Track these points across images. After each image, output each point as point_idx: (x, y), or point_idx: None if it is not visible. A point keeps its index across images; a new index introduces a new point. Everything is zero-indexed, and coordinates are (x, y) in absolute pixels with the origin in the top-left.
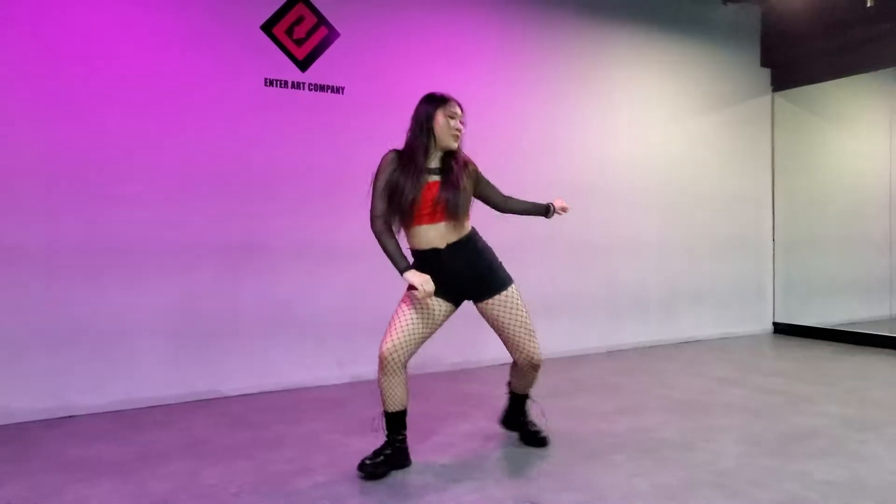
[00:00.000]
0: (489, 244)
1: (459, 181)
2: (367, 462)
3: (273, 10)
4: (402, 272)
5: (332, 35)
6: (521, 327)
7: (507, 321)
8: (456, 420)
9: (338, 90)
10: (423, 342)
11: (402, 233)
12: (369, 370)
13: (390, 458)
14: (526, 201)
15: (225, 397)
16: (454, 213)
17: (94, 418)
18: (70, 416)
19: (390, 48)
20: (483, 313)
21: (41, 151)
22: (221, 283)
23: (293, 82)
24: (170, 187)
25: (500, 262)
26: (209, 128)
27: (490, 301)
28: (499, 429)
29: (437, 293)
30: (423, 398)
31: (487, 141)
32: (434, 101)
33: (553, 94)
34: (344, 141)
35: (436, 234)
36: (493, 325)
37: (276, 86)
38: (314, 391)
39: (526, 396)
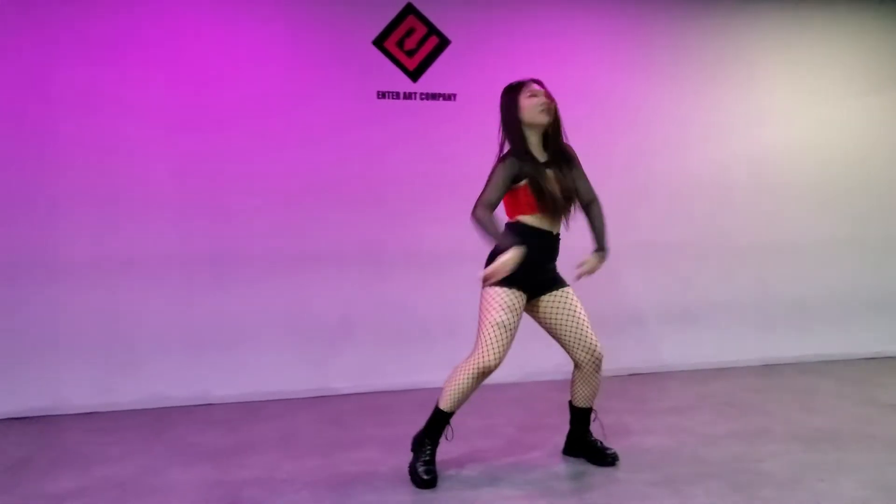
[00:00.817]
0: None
1: (568, 171)
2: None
3: (384, 25)
4: (513, 245)
5: (443, 43)
6: (583, 320)
7: (566, 315)
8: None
9: (449, 97)
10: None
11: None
12: None
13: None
14: (601, 222)
15: (339, 395)
16: (571, 204)
17: (224, 408)
18: (207, 405)
19: (502, 52)
20: (540, 310)
21: (173, 161)
22: (338, 288)
23: (405, 93)
24: (289, 198)
25: None
26: (324, 141)
27: (553, 294)
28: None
29: (520, 284)
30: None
31: (613, 139)
32: (511, 91)
33: (685, 83)
34: (457, 147)
35: (555, 221)
36: (549, 323)
37: (389, 97)
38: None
39: (590, 410)
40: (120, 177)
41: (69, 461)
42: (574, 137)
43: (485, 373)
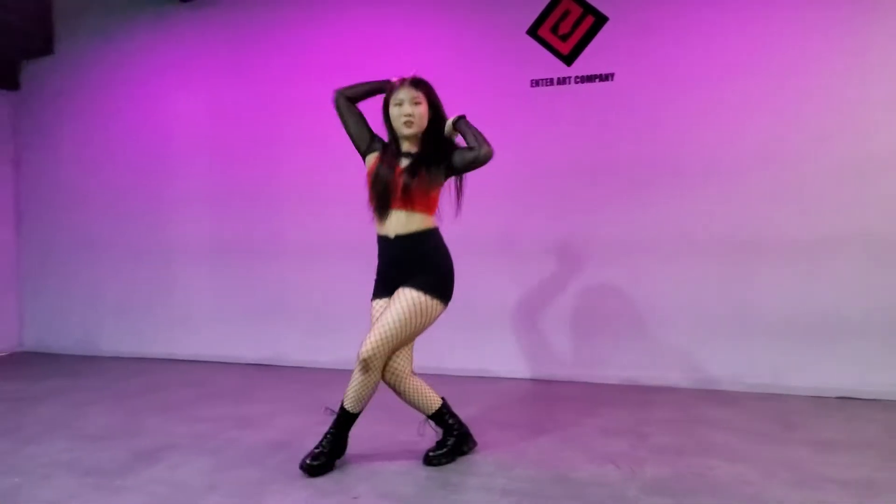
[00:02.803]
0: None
1: (419, 168)
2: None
3: (538, 13)
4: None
5: (600, 22)
6: (382, 321)
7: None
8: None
9: (607, 77)
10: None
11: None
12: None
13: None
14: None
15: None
16: (407, 198)
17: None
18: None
19: (664, 25)
20: None
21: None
22: (479, 276)
23: (559, 78)
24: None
25: (444, 276)
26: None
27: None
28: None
29: (380, 291)
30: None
31: (809, 113)
32: (388, 91)
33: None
34: (615, 128)
35: (395, 221)
36: None
37: (542, 84)
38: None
39: (350, 415)
40: (322, 175)
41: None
42: (758, 112)
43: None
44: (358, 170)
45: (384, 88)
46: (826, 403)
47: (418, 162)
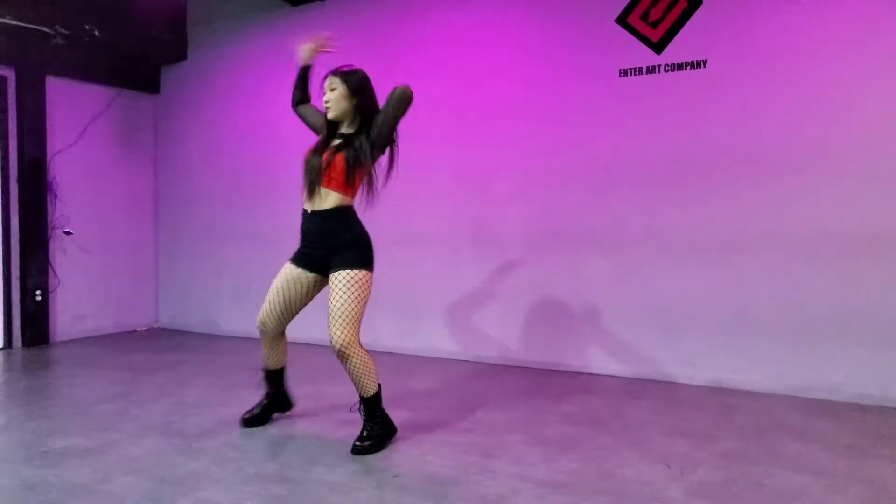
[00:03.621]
0: None
1: (334, 150)
2: (245, 416)
3: (628, 0)
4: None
5: (693, 6)
6: (335, 308)
7: (330, 298)
8: None
9: (698, 64)
10: (295, 311)
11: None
12: (724, 376)
13: (268, 406)
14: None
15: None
16: (317, 179)
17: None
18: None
19: (759, 7)
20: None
21: (450, 156)
22: (575, 268)
23: (648, 67)
24: (536, 183)
25: (367, 250)
26: (568, 125)
27: (331, 276)
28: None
29: (299, 262)
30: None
31: None
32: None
33: None
34: (706, 119)
35: (316, 198)
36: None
37: (631, 74)
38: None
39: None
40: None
41: None
42: (863, 98)
43: (258, 327)
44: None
45: (302, 70)
46: None
47: (344, 143)
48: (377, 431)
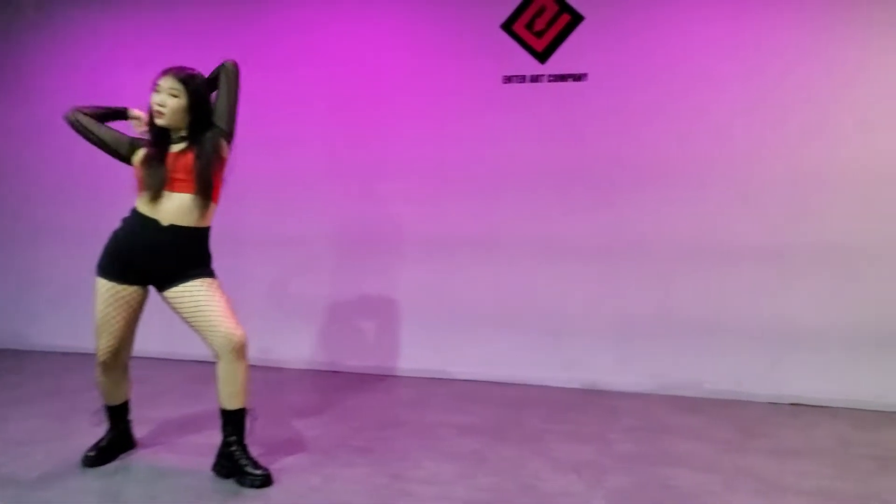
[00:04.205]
0: None
1: (195, 146)
2: (90, 453)
3: (514, 7)
4: (126, 111)
5: (576, 20)
6: (210, 308)
7: (190, 308)
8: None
9: (580, 77)
10: (134, 334)
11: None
12: (598, 377)
13: (115, 440)
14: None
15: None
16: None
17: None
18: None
19: (639, 25)
20: (171, 306)
21: (327, 151)
22: (457, 273)
23: (532, 76)
24: (417, 184)
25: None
26: (451, 127)
27: (176, 289)
28: None
29: (126, 278)
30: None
31: (773, 124)
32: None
33: (879, 57)
34: (587, 129)
35: (172, 208)
36: (182, 318)
37: (515, 81)
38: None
39: (241, 411)
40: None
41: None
42: (733, 117)
43: (101, 368)
44: None
45: (121, 115)
46: (781, 410)
47: (193, 142)
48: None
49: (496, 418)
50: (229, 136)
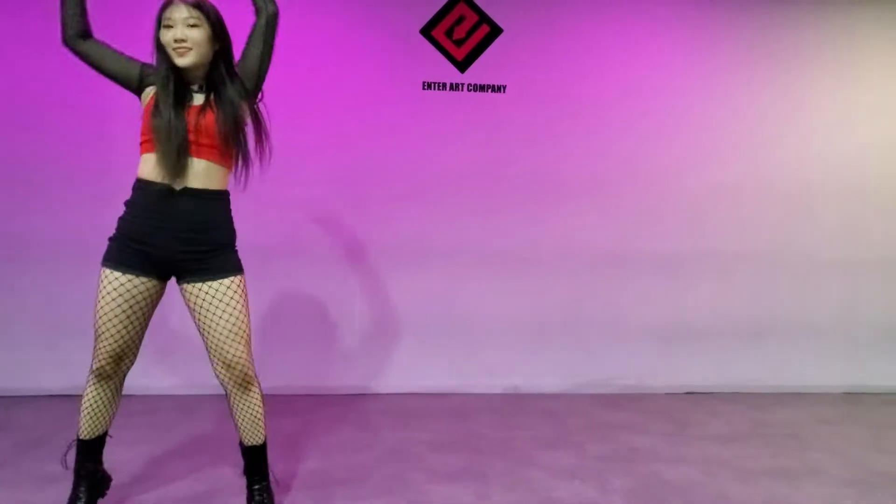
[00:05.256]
0: None
1: (203, 106)
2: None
3: (433, 13)
4: None
5: (495, 32)
6: (230, 323)
7: (206, 315)
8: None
9: (499, 89)
10: (141, 339)
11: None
12: (520, 381)
13: (92, 491)
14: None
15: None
16: (184, 145)
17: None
18: None
19: (558, 41)
20: (187, 303)
21: None
22: (368, 283)
23: (452, 84)
24: (332, 190)
25: (234, 246)
26: (368, 132)
27: (199, 285)
28: None
29: (136, 267)
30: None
31: (681, 137)
32: (160, 8)
33: (760, 78)
34: (505, 140)
35: (189, 171)
36: (196, 323)
37: (435, 88)
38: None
39: (260, 449)
40: None
41: None
42: (638, 135)
43: (96, 376)
44: None
45: None
46: (681, 399)
47: (218, 96)
48: (270, 495)
49: (454, 432)
50: (254, 96)
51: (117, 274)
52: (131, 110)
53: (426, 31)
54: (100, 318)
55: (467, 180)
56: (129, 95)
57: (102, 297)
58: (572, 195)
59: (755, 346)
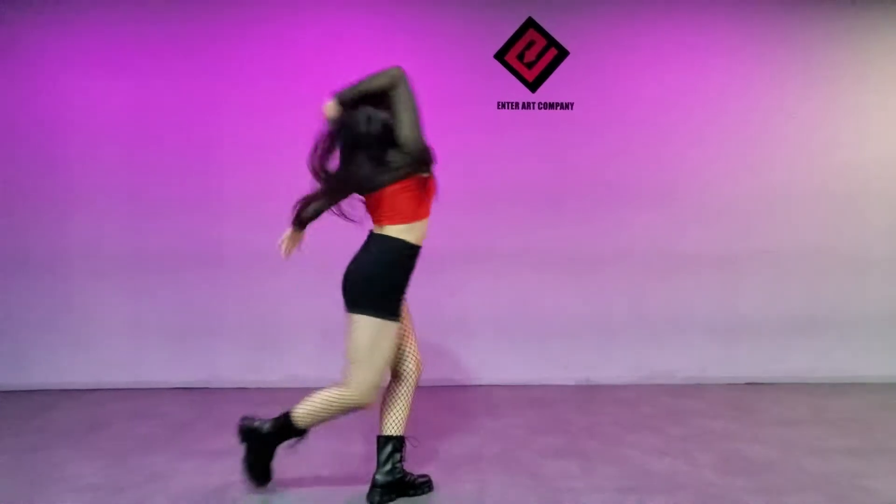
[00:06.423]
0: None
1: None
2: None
3: (505, 39)
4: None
5: (562, 55)
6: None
7: (408, 323)
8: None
9: (567, 106)
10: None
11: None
12: (591, 374)
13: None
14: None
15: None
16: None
17: None
18: None
19: (619, 60)
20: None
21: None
22: (454, 286)
23: (524, 103)
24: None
25: (378, 290)
26: (446, 150)
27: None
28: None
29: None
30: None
31: (734, 144)
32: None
33: (813, 86)
34: (573, 152)
35: (423, 231)
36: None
37: (508, 108)
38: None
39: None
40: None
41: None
42: (695, 144)
43: (355, 409)
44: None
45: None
46: (742, 389)
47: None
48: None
49: (543, 418)
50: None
51: (397, 325)
52: None
53: (500, 56)
54: (380, 362)
55: (539, 190)
56: None
57: (387, 349)
58: (636, 201)
59: (809, 339)
